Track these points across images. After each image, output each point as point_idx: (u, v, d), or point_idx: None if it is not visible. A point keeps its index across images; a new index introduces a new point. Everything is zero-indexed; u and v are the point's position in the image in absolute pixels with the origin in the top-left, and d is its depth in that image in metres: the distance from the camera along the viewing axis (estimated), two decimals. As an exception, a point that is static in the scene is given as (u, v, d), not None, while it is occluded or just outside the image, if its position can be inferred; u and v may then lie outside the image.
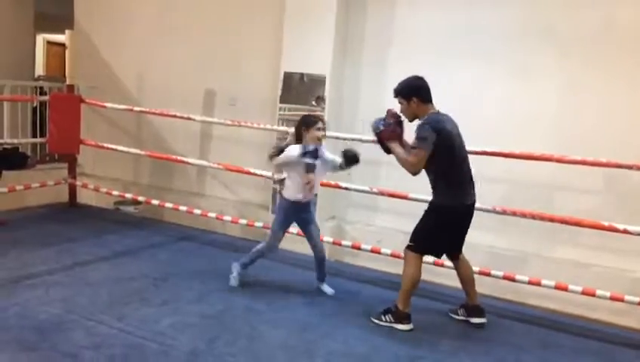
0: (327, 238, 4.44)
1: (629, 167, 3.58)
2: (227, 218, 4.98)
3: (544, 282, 3.81)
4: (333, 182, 4.46)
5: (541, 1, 4.28)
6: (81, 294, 3.56)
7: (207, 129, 5.67)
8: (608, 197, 4.05)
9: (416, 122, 3.39)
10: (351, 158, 3.69)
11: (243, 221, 4.90)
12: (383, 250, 4.32)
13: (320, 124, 3.69)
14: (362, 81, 4.93)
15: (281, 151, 3.66)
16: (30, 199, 5.63)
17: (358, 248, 4.45)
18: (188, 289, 3.82)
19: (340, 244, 4.55)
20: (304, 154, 3.57)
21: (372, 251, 4.38)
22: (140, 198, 5.47)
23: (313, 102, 4.76)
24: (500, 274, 3.93)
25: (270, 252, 3.91)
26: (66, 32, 5.72)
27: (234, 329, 3.26)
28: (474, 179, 3.45)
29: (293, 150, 3.61)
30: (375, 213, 4.93)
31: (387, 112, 3.47)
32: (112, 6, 6.16)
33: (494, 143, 3.88)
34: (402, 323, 3.44)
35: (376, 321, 3.50)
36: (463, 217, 3.44)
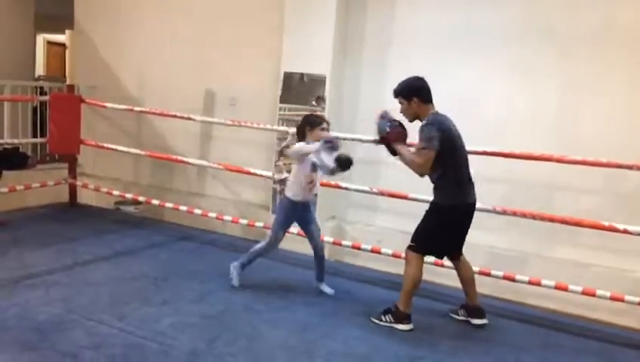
0: (327, 238, 4.44)
1: (629, 167, 3.58)
2: (227, 218, 4.98)
3: (544, 282, 3.81)
4: (333, 182, 4.46)
5: (541, 1, 4.28)
6: (81, 294, 3.57)
7: (208, 129, 5.68)
8: (608, 197, 4.05)
9: (417, 123, 3.40)
10: (345, 163, 3.69)
11: (243, 221, 4.90)
12: (383, 250, 4.32)
13: (324, 125, 3.70)
14: (362, 81, 4.93)
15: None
16: (30, 199, 5.64)
17: (358, 248, 4.45)
18: (188, 289, 3.82)
19: (340, 244, 4.55)
20: (326, 143, 3.48)
21: (372, 251, 4.38)
22: (141, 198, 5.47)
23: (313, 102, 4.76)
24: (500, 274, 3.93)
25: (270, 251, 3.91)
26: (66, 32, 5.72)
27: (234, 329, 3.26)
28: (473, 179, 3.45)
29: (311, 145, 3.56)
30: (375, 213, 4.93)
31: (379, 113, 3.46)
32: (113, 6, 6.17)
33: (494, 143, 3.88)
34: (402, 324, 3.44)
35: (376, 321, 3.50)
36: (464, 217, 3.44)
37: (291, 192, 3.75)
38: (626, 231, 3.52)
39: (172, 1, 5.88)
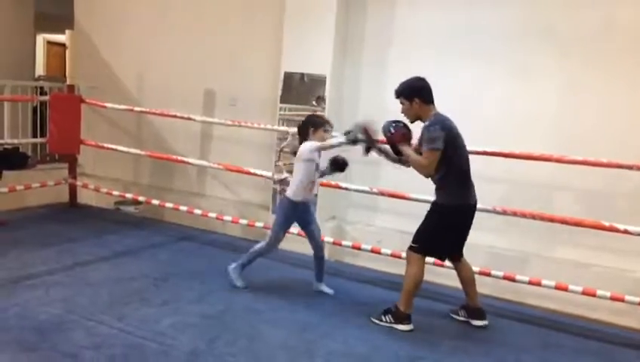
0: (327, 238, 4.44)
1: (629, 168, 3.58)
2: (227, 218, 4.98)
3: (544, 282, 3.82)
4: (333, 183, 4.46)
5: (541, 1, 4.28)
6: (81, 294, 3.56)
7: (208, 129, 5.68)
8: (608, 198, 4.05)
9: (418, 123, 3.40)
10: (340, 165, 3.69)
11: (243, 221, 4.90)
12: (383, 250, 4.32)
13: (327, 126, 3.69)
14: (362, 81, 4.93)
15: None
16: (30, 199, 5.64)
17: (359, 248, 4.45)
18: (188, 289, 3.82)
19: (340, 244, 4.55)
20: (348, 133, 3.45)
21: (372, 251, 4.38)
22: (141, 198, 5.47)
23: (313, 102, 4.76)
24: (500, 274, 3.93)
25: (270, 252, 3.90)
26: (66, 32, 5.72)
27: (234, 329, 3.26)
28: (473, 179, 3.45)
29: (335, 138, 3.53)
30: (375, 213, 4.93)
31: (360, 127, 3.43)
32: (112, 6, 6.17)
33: (494, 143, 3.88)
34: (402, 324, 3.44)
35: (376, 321, 3.50)
36: (466, 217, 3.44)
37: (295, 193, 3.72)
38: (626, 232, 3.52)
39: (172, 1, 5.87)
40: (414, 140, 3.45)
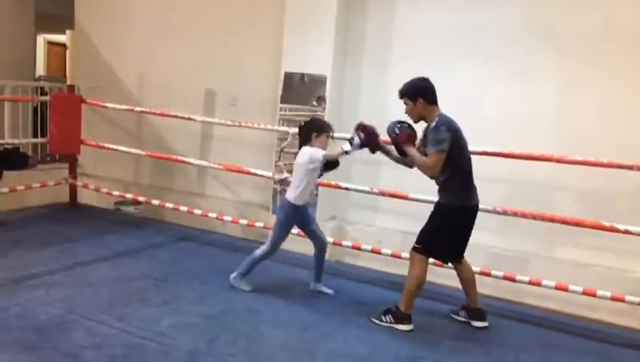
0: (327, 238, 4.42)
1: (630, 168, 3.57)
2: (227, 218, 4.98)
3: (544, 282, 3.81)
4: (333, 183, 4.46)
5: (541, 1, 4.28)
6: (81, 294, 3.57)
7: (208, 129, 5.68)
8: (609, 198, 4.05)
9: (422, 124, 3.40)
10: (332, 164, 3.68)
11: (243, 221, 4.90)
12: (383, 251, 4.32)
13: (330, 132, 3.69)
14: (363, 81, 4.93)
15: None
16: (31, 199, 5.64)
17: (359, 248, 4.45)
18: (188, 289, 3.82)
19: (340, 245, 4.55)
20: (352, 140, 3.45)
21: (372, 251, 4.38)
22: (141, 198, 5.47)
23: (314, 103, 4.76)
24: (501, 274, 3.93)
25: (270, 257, 3.85)
26: (67, 32, 5.72)
27: (234, 329, 3.26)
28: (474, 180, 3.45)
29: (342, 147, 3.49)
30: (375, 214, 4.93)
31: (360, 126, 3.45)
32: (113, 6, 6.17)
33: (494, 143, 3.88)
34: (403, 324, 3.44)
35: (376, 321, 3.50)
36: (469, 218, 3.43)
37: (299, 197, 3.68)
38: (627, 232, 3.52)
39: (173, 1, 5.88)
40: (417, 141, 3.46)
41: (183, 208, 5.14)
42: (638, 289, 3.73)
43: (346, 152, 3.46)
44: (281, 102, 4.91)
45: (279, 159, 4.83)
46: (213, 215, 5.03)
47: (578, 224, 3.72)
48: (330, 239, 4.51)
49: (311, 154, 3.59)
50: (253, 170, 4.80)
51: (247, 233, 5.19)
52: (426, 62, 4.39)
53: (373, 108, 4.81)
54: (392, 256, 4.25)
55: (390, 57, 4.79)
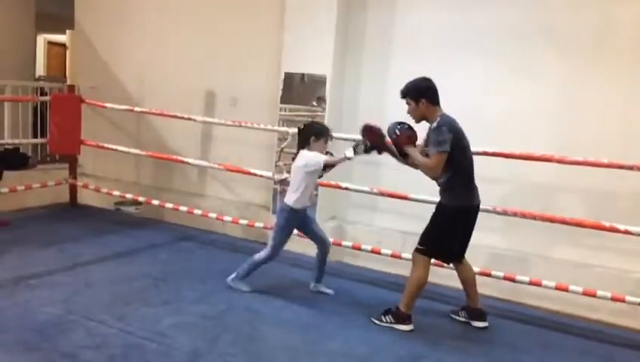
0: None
1: (630, 168, 3.57)
2: (227, 218, 4.98)
3: (545, 283, 3.81)
4: (333, 183, 4.45)
5: (541, 1, 4.28)
6: (81, 294, 3.57)
7: (208, 129, 5.67)
8: (609, 198, 4.05)
9: (424, 124, 3.39)
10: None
11: (243, 221, 4.90)
12: (383, 251, 4.32)
13: (329, 136, 3.68)
14: (363, 81, 4.93)
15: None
16: (31, 199, 5.64)
17: (359, 248, 4.44)
18: (188, 289, 3.82)
19: (340, 245, 4.54)
20: (357, 146, 3.45)
21: (372, 251, 4.38)
22: (141, 198, 5.47)
23: (314, 103, 4.76)
24: (501, 274, 3.92)
25: (270, 261, 3.83)
26: (67, 32, 5.73)
27: (235, 329, 3.26)
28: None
29: (345, 153, 3.48)
30: (375, 214, 4.93)
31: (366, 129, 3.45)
32: (113, 6, 6.17)
33: (495, 143, 3.88)
34: (403, 324, 3.43)
35: (376, 322, 3.50)
36: (471, 218, 3.43)
37: (298, 201, 3.67)
38: (627, 232, 3.52)
39: (173, 2, 5.88)
40: (420, 141, 3.45)
41: (183, 208, 5.13)
42: (639, 289, 3.72)
43: (348, 158, 3.46)
44: (281, 102, 4.91)
45: (279, 159, 4.82)
46: (213, 215, 5.03)
47: (578, 224, 3.72)
48: (330, 239, 4.51)
49: (310, 158, 3.57)
50: (253, 170, 4.80)
51: (247, 233, 5.19)
52: (426, 63, 4.38)
53: (373, 108, 4.81)
54: (392, 256, 4.25)
55: (390, 57, 4.78)
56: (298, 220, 3.77)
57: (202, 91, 5.68)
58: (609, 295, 3.64)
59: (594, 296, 3.68)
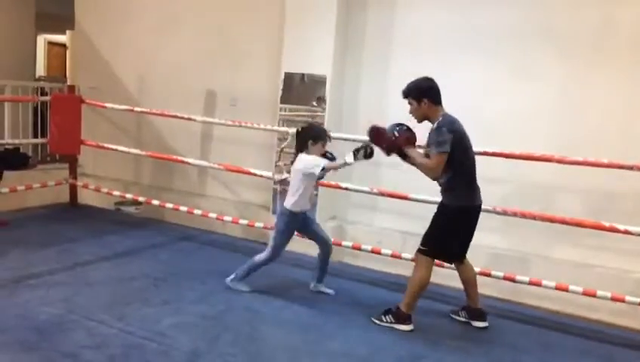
0: (327, 239, 4.43)
1: (630, 168, 3.57)
2: (228, 218, 4.98)
3: (545, 283, 3.81)
4: (333, 183, 4.46)
5: (541, 1, 4.28)
6: (81, 294, 3.57)
7: (208, 129, 5.68)
8: (609, 198, 4.04)
9: (426, 124, 3.39)
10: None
11: (243, 221, 4.90)
12: (383, 251, 4.32)
13: (328, 139, 3.68)
14: (363, 81, 4.93)
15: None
16: (31, 199, 5.64)
17: (359, 248, 4.44)
18: (189, 289, 3.82)
19: (340, 245, 4.54)
20: (357, 152, 3.45)
21: (372, 251, 4.38)
22: (141, 198, 5.47)
23: (314, 103, 4.76)
24: (501, 274, 3.92)
25: (270, 263, 3.83)
26: (67, 32, 5.74)
27: (235, 329, 3.26)
28: (474, 180, 3.45)
29: (345, 158, 3.48)
30: (375, 214, 4.93)
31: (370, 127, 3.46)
32: (113, 6, 6.17)
33: (495, 143, 3.88)
34: (403, 324, 3.44)
35: (376, 322, 3.50)
36: (473, 218, 3.43)
37: (298, 204, 3.67)
38: (627, 232, 3.52)
39: (173, 2, 5.88)
40: (422, 142, 3.45)
41: (183, 208, 5.14)
42: (639, 289, 3.72)
43: (348, 164, 3.47)
44: (281, 102, 4.91)
45: (279, 159, 4.83)
46: (213, 215, 5.03)
47: (578, 224, 3.72)
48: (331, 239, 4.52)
49: (309, 163, 3.57)
50: (253, 170, 4.80)
51: (247, 233, 5.19)
52: (426, 63, 4.38)
53: (373, 108, 4.81)
54: (392, 256, 4.26)
55: (390, 57, 4.78)
56: (298, 223, 3.76)
57: (202, 91, 5.68)
58: (609, 295, 3.64)
59: (594, 296, 3.68)
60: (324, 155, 3.67)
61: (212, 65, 5.60)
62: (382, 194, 4.34)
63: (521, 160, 3.91)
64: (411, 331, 3.42)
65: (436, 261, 3.72)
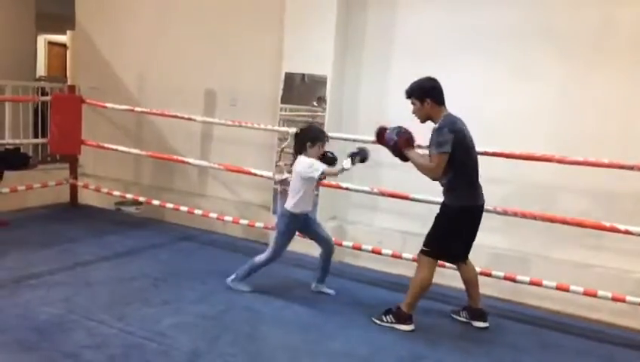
0: (328, 239, 4.43)
1: (631, 168, 3.57)
2: (228, 218, 4.98)
3: (545, 283, 3.81)
4: (334, 183, 4.45)
5: (541, 1, 4.27)
6: (82, 294, 3.57)
7: (208, 129, 5.68)
8: (609, 198, 4.04)
9: (429, 124, 3.39)
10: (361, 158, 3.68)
11: (244, 221, 4.90)
12: (383, 251, 4.31)
13: (326, 140, 3.68)
14: (363, 81, 4.92)
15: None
16: (31, 199, 5.64)
17: (359, 249, 4.44)
18: (189, 289, 3.82)
19: (340, 245, 4.54)
20: (354, 156, 3.52)
21: (373, 252, 4.37)
22: (141, 198, 5.47)
23: (314, 103, 4.76)
24: (501, 274, 3.92)
25: (271, 263, 3.83)
26: (67, 32, 5.74)
27: (235, 329, 3.26)
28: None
29: (343, 164, 3.51)
30: (376, 214, 4.93)
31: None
32: (113, 6, 6.17)
33: (495, 143, 3.88)
34: (404, 324, 3.43)
35: (377, 322, 3.50)
36: (475, 218, 3.42)
37: (299, 206, 3.67)
38: (627, 232, 3.52)
39: (173, 2, 5.88)
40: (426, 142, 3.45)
41: (184, 208, 5.13)
42: (639, 289, 3.72)
43: (346, 169, 3.50)
44: (282, 102, 4.91)
45: (280, 159, 4.83)
46: (213, 215, 5.03)
47: (578, 224, 3.72)
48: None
49: (309, 166, 3.56)
50: (253, 171, 4.80)
51: (247, 233, 5.19)
52: (427, 63, 4.39)
53: (373, 108, 4.81)
54: (393, 256, 4.25)
55: (390, 57, 4.78)
56: (299, 224, 3.76)
57: (202, 91, 5.68)
58: (609, 295, 3.64)
59: (594, 296, 3.68)
60: (325, 155, 3.68)
61: (212, 65, 5.60)
62: (382, 194, 4.34)
63: (522, 160, 3.91)
64: (412, 331, 3.42)
65: (439, 261, 3.73)
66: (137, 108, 5.49)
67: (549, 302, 4.05)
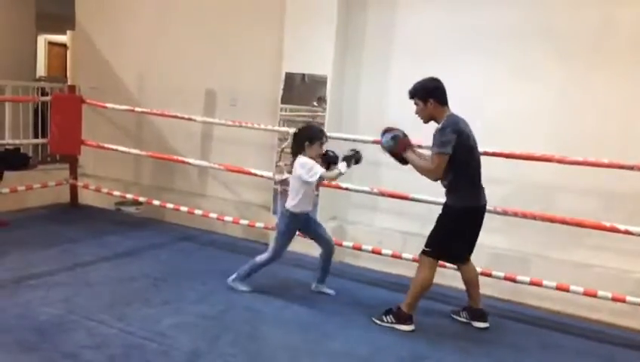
0: (328, 239, 4.43)
1: (630, 168, 3.57)
2: (228, 218, 4.98)
3: (545, 283, 3.81)
4: (334, 183, 4.45)
5: (541, 1, 4.27)
6: (82, 294, 3.57)
7: (208, 129, 5.68)
8: (609, 198, 4.04)
9: (432, 124, 3.39)
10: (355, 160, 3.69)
11: (244, 221, 4.90)
12: (383, 251, 4.31)
13: (324, 139, 3.67)
14: (363, 81, 4.92)
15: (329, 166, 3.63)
16: (31, 200, 5.64)
17: (359, 249, 4.44)
18: (189, 289, 3.82)
19: (340, 245, 4.53)
20: (349, 158, 3.56)
21: (373, 252, 4.37)
22: (141, 199, 5.47)
23: (314, 103, 4.76)
24: (502, 274, 3.92)
25: (272, 263, 3.83)
26: (68, 32, 5.74)
27: (235, 329, 3.26)
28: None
29: (339, 167, 3.54)
30: (376, 214, 4.93)
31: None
32: (113, 6, 6.17)
33: (495, 143, 3.88)
34: (404, 324, 3.43)
35: (377, 322, 3.50)
36: (477, 219, 3.42)
37: (299, 206, 3.68)
38: (627, 232, 3.52)
39: (173, 2, 5.88)
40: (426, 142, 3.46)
41: (184, 208, 5.13)
42: (639, 289, 3.72)
43: (342, 173, 3.52)
44: (282, 102, 4.91)
45: (280, 159, 4.83)
46: (213, 215, 5.03)
47: (578, 224, 3.72)
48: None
49: (307, 170, 3.55)
50: (253, 171, 4.80)
51: (247, 233, 5.19)
52: (427, 63, 4.39)
53: (373, 108, 4.81)
54: (393, 256, 4.25)
55: (391, 58, 4.78)
56: (299, 223, 3.77)
57: (202, 91, 5.68)
58: (610, 295, 3.64)
59: (594, 296, 3.68)
60: (325, 155, 3.68)
61: (212, 65, 5.60)
62: (382, 194, 4.34)
63: (522, 160, 3.91)
64: (412, 331, 3.42)
65: (440, 262, 3.73)
66: (137, 109, 5.49)
67: (549, 302, 4.05)
